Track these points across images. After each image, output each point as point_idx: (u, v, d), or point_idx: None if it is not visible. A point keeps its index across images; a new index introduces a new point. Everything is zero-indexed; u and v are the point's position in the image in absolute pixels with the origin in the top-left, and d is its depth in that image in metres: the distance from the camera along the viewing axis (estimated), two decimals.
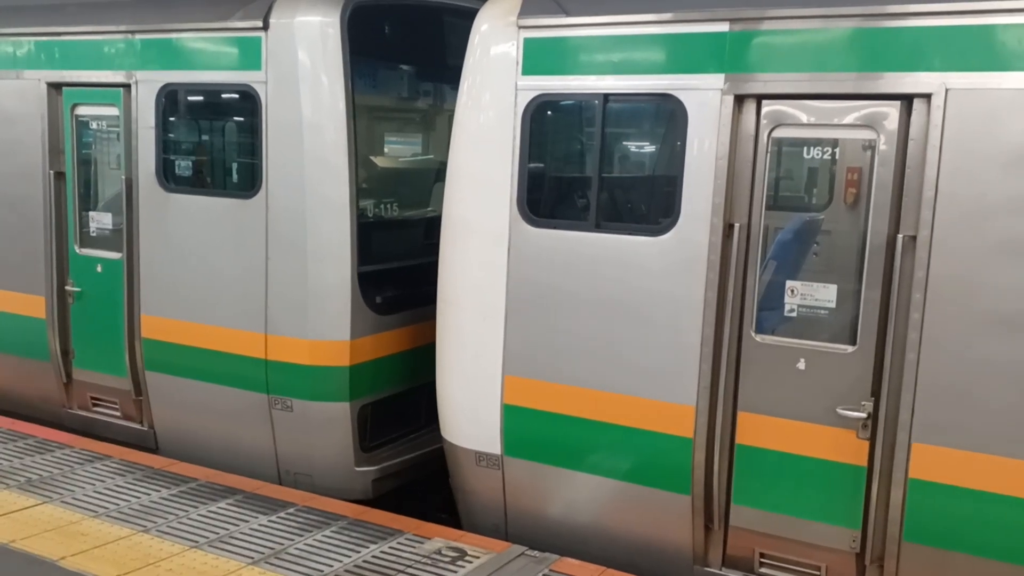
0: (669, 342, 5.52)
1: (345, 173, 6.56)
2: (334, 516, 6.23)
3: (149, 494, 6.51)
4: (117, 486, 6.64)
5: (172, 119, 7.39)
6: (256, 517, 6.19)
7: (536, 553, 5.74)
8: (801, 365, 5.23)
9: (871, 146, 5.02)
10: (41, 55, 7.92)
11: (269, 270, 6.80)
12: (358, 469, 6.94)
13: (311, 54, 6.54)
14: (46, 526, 5.91)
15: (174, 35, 7.12)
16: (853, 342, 5.13)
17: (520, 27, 5.81)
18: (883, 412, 5.02)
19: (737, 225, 5.29)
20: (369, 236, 6.90)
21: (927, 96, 4.79)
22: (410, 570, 5.47)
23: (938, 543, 4.99)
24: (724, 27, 5.24)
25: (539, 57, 5.79)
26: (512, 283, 5.95)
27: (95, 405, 8.16)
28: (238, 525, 6.05)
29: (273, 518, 6.18)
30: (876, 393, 5.06)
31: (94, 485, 6.64)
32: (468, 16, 6.19)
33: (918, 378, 4.91)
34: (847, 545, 5.25)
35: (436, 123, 8.21)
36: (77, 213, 7.95)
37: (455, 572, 5.47)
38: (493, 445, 6.16)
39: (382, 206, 7.50)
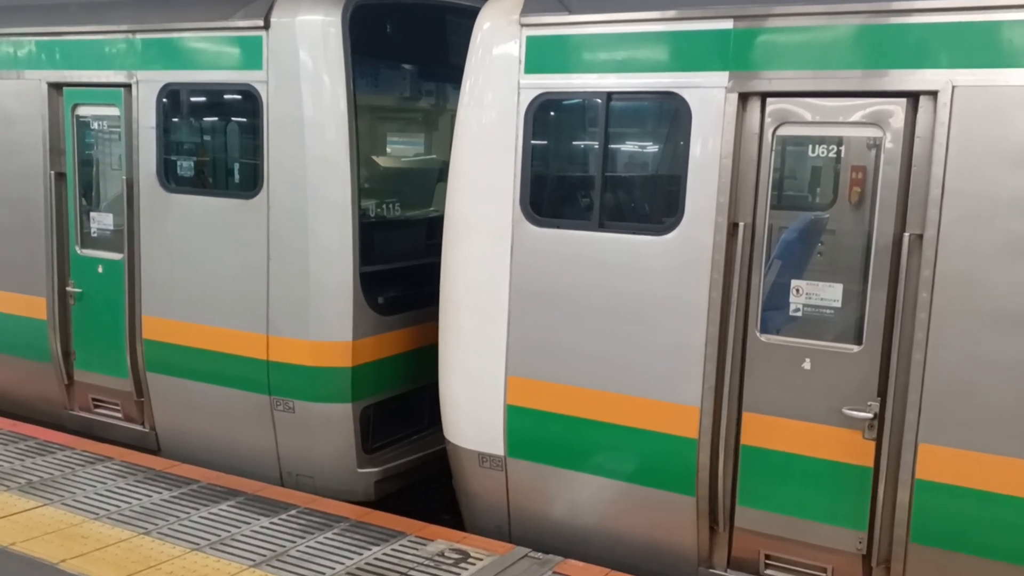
0: (673, 342, 5.49)
1: (347, 173, 6.54)
2: (336, 518, 6.20)
3: (150, 496, 6.48)
4: (118, 488, 6.62)
5: (173, 119, 7.36)
6: (258, 519, 6.16)
7: (540, 555, 5.71)
8: (806, 365, 5.20)
9: (876, 144, 4.99)
10: (42, 55, 7.90)
11: (270, 271, 6.77)
12: (360, 471, 6.91)
13: (312, 53, 6.51)
14: (47, 528, 5.89)
15: (175, 35, 7.10)
16: (859, 342, 5.09)
17: (522, 25, 5.78)
18: (889, 412, 4.99)
19: (741, 224, 5.26)
20: (371, 236, 6.88)
21: (933, 93, 4.75)
22: (413, 572, 5.44)
23: (945, 545, 4.95)
24: (728, 24, 5.21)
25: (542, 55, 5.76)
26: (515, 283, 5.92)
27: (96, 406, 8.14)
28: (240, 527, 6.03)
29: (275, 520, 6.15)
30: (882, 393, 5.02)
31: (95, 487, 6.62)
32: (470, 15, 6.16)
33: (925, 378, 4.87)
34: (853, 547, 5.21)
35: (438, 122, 8.19)
36: (78, 214, 7.93)
37: (458, 574, 5.44)
38: (496, 446, 6.13)
39: (384, 206, 7.48)
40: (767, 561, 5.50)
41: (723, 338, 5.34)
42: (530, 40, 5.78)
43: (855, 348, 5.10)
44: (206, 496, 6.52)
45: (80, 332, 8.05)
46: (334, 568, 5.49)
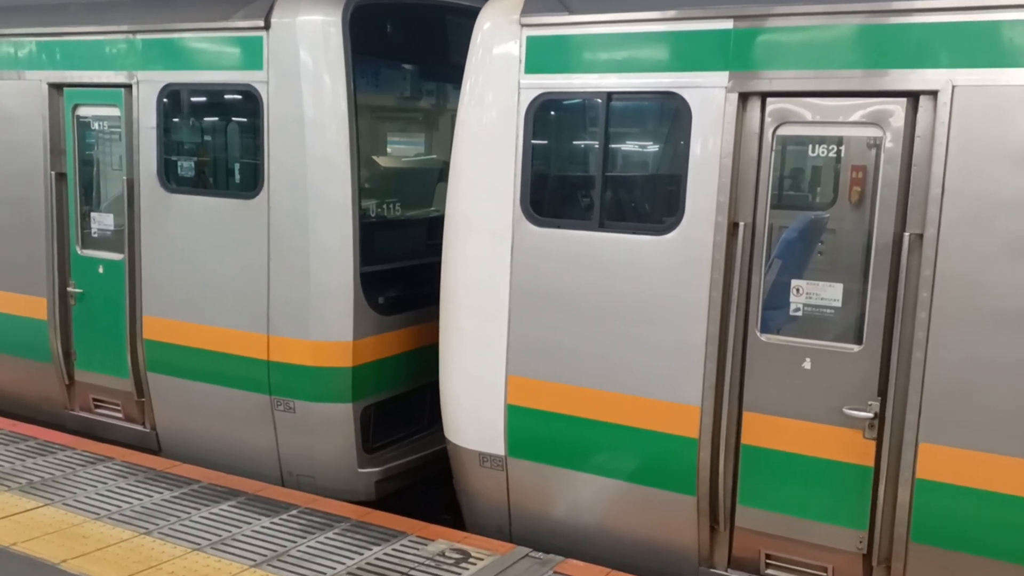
0: (673, 342, 5.49)
1: (347, 173, 6.54)
2: (337, 518, 6.20)
3: (151, 496, 6.49)
4: (119, 488, 6.62)
5: (173, 119, 7.37)
6: (259, 519, 6.16)
7: (540, 555, 5.71)
8: (807, 365, 5.20)
9: (876, 144, 4.99)
10: (42, 56, 7.90)
11: (271, 271, 6.77)
12: (361, 470, 6.91)
13: (313, 53, 6.52)
14: (48, 529, 5.89)
15: (175, 35, 7.10)
16: (859, 341, 5.09)
17: (523, 25, 5.78)
18: (890, 412, 4.99)
19: (742, 224, 5.26)
20: (371, 236, 6.88)
21: (933, 93, 4.75)
22: (414, 572, 5.44)
23: (946, 544, 4.95)
24: (728, 24, 5.21)
25: (542, 55, 5.76)
26: (515, 283, 5.92)
27: (97, 407, 8.14)
28: (240, 527, 6.03)
29: (276, 520, 6.15)
30: (883, 393, 5.02)
31: (96, 487, 6.62)
32: (471, 15, 6.16)
33: (925, 377, 4.87)
34: (854, 546, 5.22)
35: (439, 122, 8.19)
36: (79, 214, 7.93)
37: (459, 574, 5.44)
38: (497, 446, 6.13)
39: (384, 206, 7.48)
40: (768, 560, 5.51)
41: (723, 338, 5.34)
42: (530, 40, 5.78)
43: (855, 348, 5.10)
44: (207, 496, 6.53)
45: (81, 332, 8.05)
46: (335, 568, 5.49)
